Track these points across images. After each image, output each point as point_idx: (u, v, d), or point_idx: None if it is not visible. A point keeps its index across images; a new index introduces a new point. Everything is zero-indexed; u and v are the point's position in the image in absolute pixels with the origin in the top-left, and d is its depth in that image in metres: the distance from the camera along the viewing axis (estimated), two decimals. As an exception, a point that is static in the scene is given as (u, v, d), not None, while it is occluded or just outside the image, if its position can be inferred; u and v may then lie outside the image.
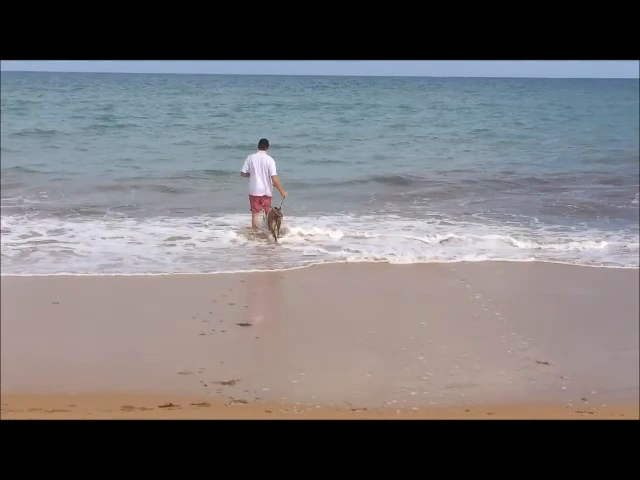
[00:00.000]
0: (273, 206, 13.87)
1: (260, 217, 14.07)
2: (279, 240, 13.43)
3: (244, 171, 14.19)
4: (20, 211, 15.78)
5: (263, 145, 14.32)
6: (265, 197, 14.08)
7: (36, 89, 79.11)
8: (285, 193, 14.16)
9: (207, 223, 14.91)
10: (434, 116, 50.36)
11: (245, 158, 14.42)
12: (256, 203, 14.09)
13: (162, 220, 15.23)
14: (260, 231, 13.86)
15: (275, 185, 14.10)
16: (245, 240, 13.48)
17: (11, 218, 14.87)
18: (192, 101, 63.60)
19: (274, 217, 13.64)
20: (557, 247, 13.28)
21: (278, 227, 13.62)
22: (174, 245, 12.98)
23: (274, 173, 14.00)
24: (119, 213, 15.86)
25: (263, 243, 13.36)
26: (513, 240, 13.76)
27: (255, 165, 14.00)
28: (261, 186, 13.99)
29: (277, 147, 23.44)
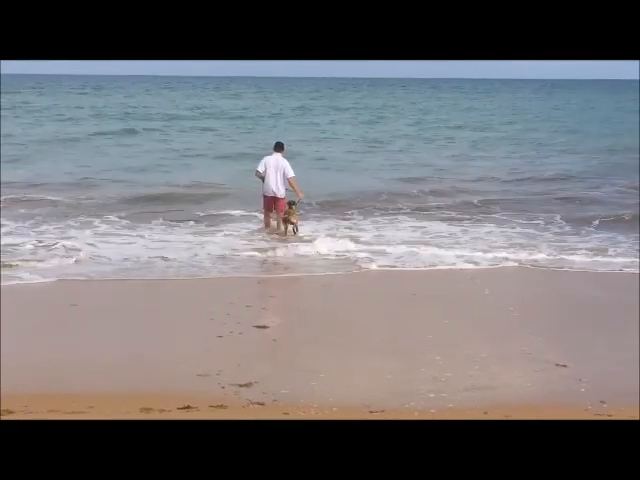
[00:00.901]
0: (287, 201, 14.09)
1: (273, 220, 14.26)
2: (294, 242, 13.43)
3: (260, 170, 14.30)
4: (46, 214, 15.92)
5: (278, 147, 14.57)
6: (277, 198, 14.18)
7: (51, 93, 79.58)
8: (301, 195, 14.35)
9: (223, 227, 14.96)
10: (453, 117, 50.23)
11: (261, 159, 14.55)
12: (269, 203, 14.25)
13: (180, 224, 15.28)
14: (274, 234, 13.94)
15: (292, 187, 14.23)
16: (261, 243, 13.50)
17: (33, 221, 15.05)
18: (214, 103, 63.92)
19: (286, 217, 13.85)
20: (575, 251, 13.13)
21: (291, 225, 13.92)
22: (191, 249, 12.97)
23: (292, 175, 14.17)
24: (141, 218, 15.88)
25: (279, 246, 13.32)
26: (532, 244, 13.72)
27: (271, 166, 14.16)
28: (274, 187, 14.18)
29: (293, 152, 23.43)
